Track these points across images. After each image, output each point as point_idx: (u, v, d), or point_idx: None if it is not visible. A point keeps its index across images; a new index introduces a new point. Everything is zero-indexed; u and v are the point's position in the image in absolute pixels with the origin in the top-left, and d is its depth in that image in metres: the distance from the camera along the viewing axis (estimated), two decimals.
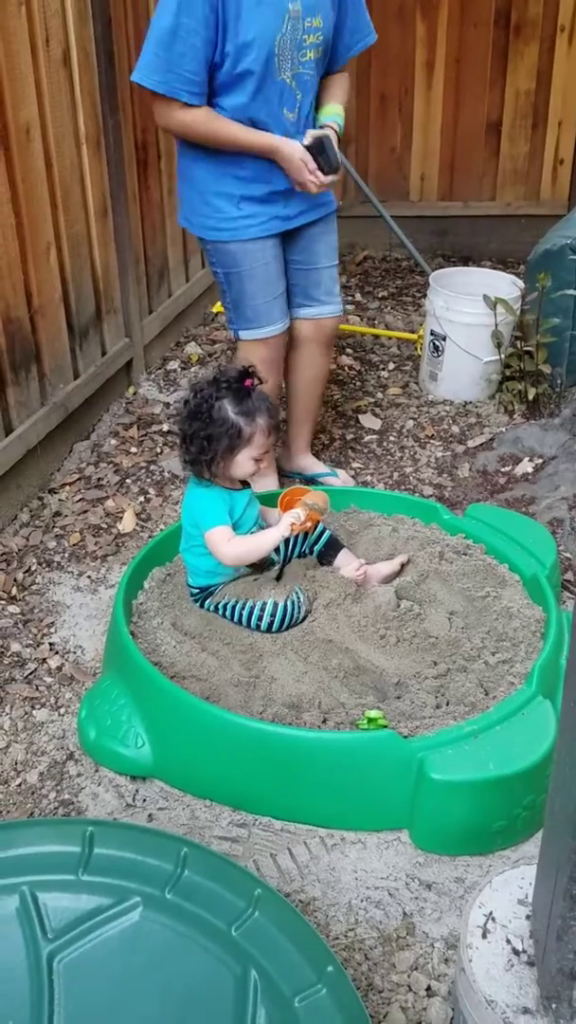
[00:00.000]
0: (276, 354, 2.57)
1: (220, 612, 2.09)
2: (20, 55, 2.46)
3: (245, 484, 2.14)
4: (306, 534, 2.21)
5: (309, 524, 2.07)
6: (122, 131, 3.11)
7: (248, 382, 2.02)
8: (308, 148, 2.33)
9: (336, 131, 2.43)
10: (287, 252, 2.54)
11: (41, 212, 2.66)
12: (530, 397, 3.24)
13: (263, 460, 2.08)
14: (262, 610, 2.03)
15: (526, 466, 2.96)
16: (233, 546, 2.01)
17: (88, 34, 2.86)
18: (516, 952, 1.33)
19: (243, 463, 2.03)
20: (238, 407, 1.99)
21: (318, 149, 2.34)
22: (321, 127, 2.43)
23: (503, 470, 2.98)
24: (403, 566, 2.24)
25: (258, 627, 2.04)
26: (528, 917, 1.37)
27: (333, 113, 2.48)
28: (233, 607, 2.06)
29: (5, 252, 2.47)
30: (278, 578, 2.15)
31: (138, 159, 3.34)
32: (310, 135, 2.35)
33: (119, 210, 3.16)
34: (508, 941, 1.35)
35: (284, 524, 2.02)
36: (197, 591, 2.14)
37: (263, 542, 2.04)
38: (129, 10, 3.16)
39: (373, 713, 1.76)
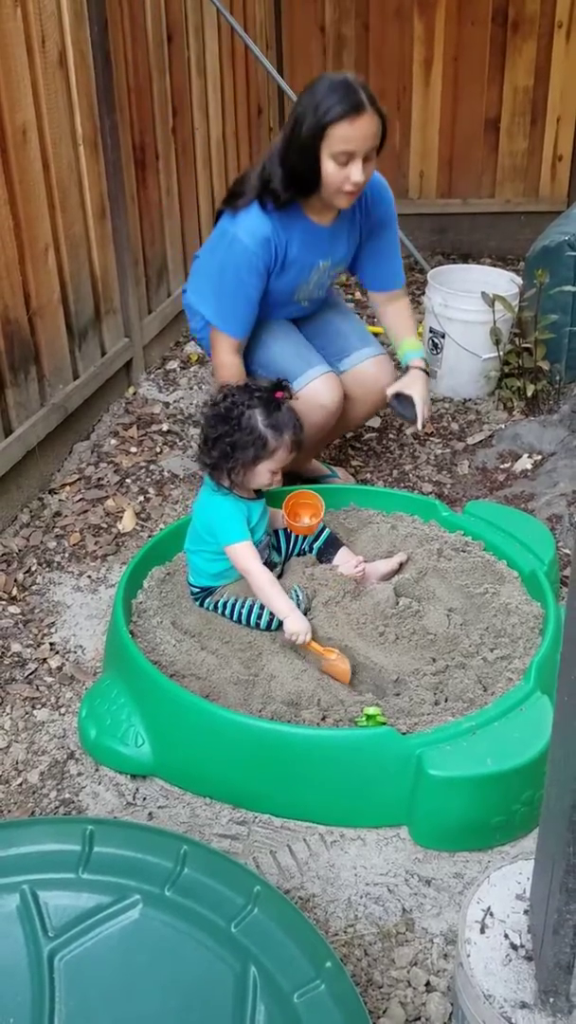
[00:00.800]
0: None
1: (219, 611, 2.10)
2: (16, 57, 2.47)
3: (259, 494, 2.13)
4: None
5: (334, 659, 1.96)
6: (119, 132, 3.11)
7: (279, 394, 2.02)
8: (395, 397, 2.54)
9: (425, 369, 2.58)
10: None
11: (39, 213, 2.67)
12: (529, 394, 3.24)
13: (279, 474, 2.07)
14: (261, 608, 2.03)
15: (525, 463, 2.96)
16: (260, 574, 1.98)
17: (84, 35, 2.87)
18: (514, 947, 1.34)
19: (261, 474, 2.04)
20: (268, 419, 1.99)
21: (401, 405, 2.53)
22: (406, 368, 2.57)
23: (502, 467, 2.98)
24: (401, 565, 2.24)
25: (257, 625, 2.04)
26: (526, 912, 1.37)
27: (414, 349, 2.60)
28: (232, 605, 2.07)
29: (3, 253, 2.48)
30: (279, 577, 2.16)
31: (136, 160, 3.35)
32: (397, 389, 2.53)
33: (117, 211, 3.17)
34: (506, 936, 1.35)
35: (301, 629, 1.92)
36: (198, 590, 2.14)
37: (275, 604, 1.96)
38: (125, 11, 3.17)
39: (372, 710, 1.76)
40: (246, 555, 1.99)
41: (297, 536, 2.26)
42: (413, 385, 2.52)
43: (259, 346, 2.51)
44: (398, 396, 2.53)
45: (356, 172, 2.16)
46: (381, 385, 2.59)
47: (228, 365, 2.44)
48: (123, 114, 3.18)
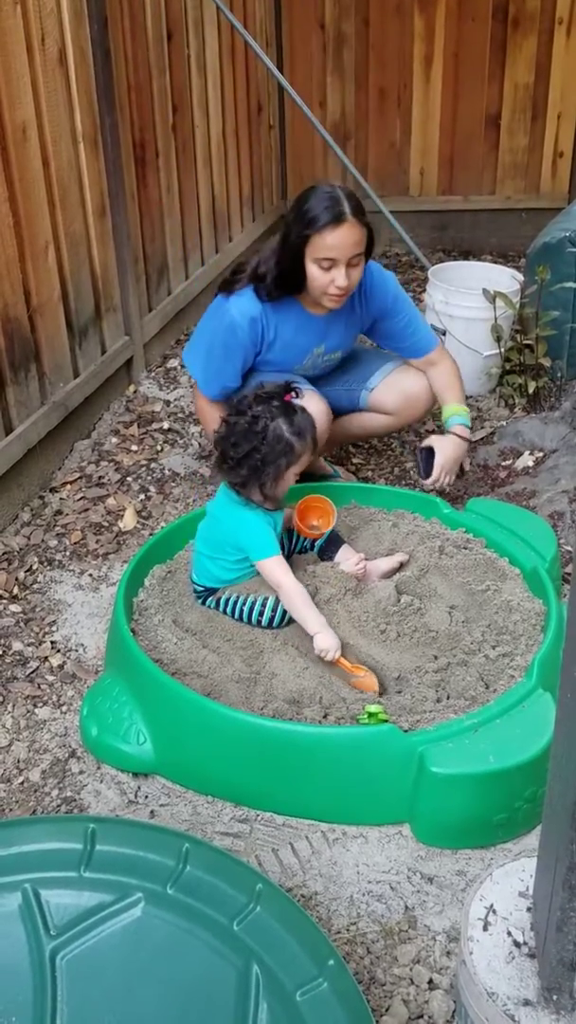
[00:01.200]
0: None
1: (221, 608, 2.10)
2: (16, 55, 2.46)
3: (279, 505, 2.12)
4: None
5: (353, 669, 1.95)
6: (119, 130, 3.11)
7: (288, 397, 2.03)
8: (423, 449, 2.58)
9: (465, 437, 2.58)
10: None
11: (39, 211, 2.66)
12: (530, 391, 3.23)
13: (299, 474, 2.09)
14: (263, 605, 2.03)
15: (527, 460, 2.96)
16: (293, 588, 1.96)
17: (84, 33, 2.86)
18: (517, 944, 1.34)
19: (288, 480, 2.04)
20: (292, 426, 2.00)
21: (423, 457, 2.56)
22: (446, 432, 2.59)
23: (504, 464, 2.97)
24: (402, 564, 2.24)
25: (259, 623, 2.04)
26: (529, 909, 1.37)
27: (458, 415, 2.60)
28: (234, 603, 2.07)
29: (3, 251, 2.47)
30: None
31: (136, 157, 3.34)
32: (430, 444, 2.56)
33: (117, 208, 3.16)
34: (509, 933, 1.35)
35: (331, 646, 1.91)
36: (202, 589, 2.14)
37: (306, 619, 1.95)
38: (125, 9, 3.16)
39: (373, 708, 1.76)
40: (279, 570, 1.99)
41: (299, 536, 2.26)
42: (444, 445, 2.55)
43: (254, 377, 2.54)
44: (426, 449, 2.57)
45: (340, 277, 2.27)
46: (418, 386, 2.62)
47: (212, 420, 2.46)
48: (123, 112, 3.17)
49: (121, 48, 3.14)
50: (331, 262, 2.26)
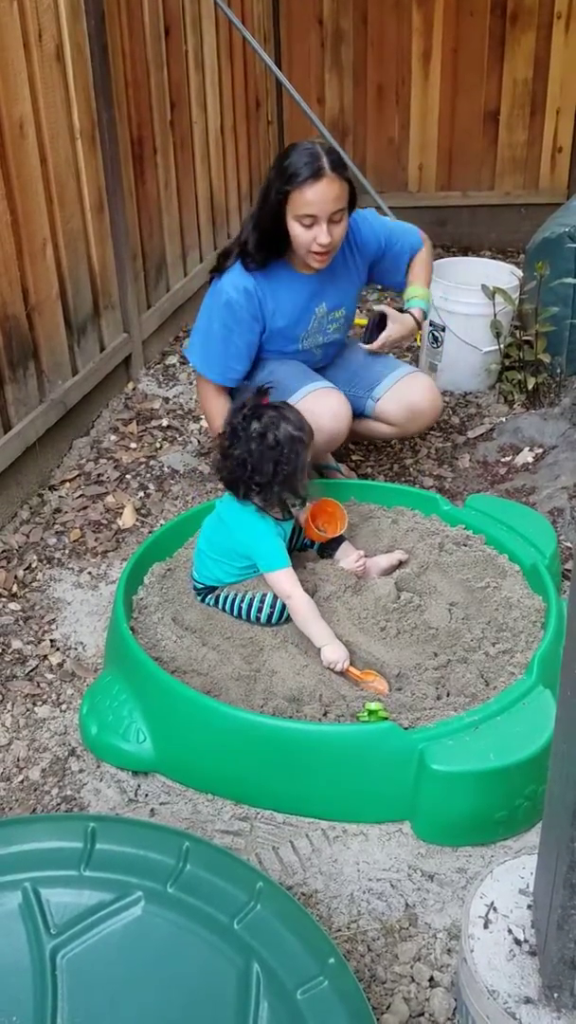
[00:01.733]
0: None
1: (220, 606, 2.09)
2: (12, 50, 2.45)
3: (290, 513, 2.11)
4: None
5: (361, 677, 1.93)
6: (117, 126, 3.10)
7: (265, 400, 2.03)
8: (377, 315, 2.57)
9: (418, 321, 2.59)
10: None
11: (36, 208, 2.66)
12: (530, 387, 3.23)
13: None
14: (261, 602, 2.03)
15: (526, 456, 2.95)
16: (301, 601, 1.95)
17: (81, 29, 2.85)
18: (518, 942, 1.33)
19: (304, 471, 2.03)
20: (291, 424, 1.99)
21: (374, 322, 2.57)
22: (402, 311, 2.60)
23: (503, 460, 2.97)
24: (402, 562, 2.23)
25: (258, 619, 2.04)
26: (530, 907, 1.37)
27: (417, 297, 2.61)
28: (232, 600, 2.06)
29: (1, 249, 2.47)
30: None
31: (134, 154, 3.33)
32: (385, 311, 2.56)
33: (115, 205, 3.15)
34: (510, 931, 1.35)
35: (339, 658, 1.89)
36: (202, 587, 2.13)
37: (313, 631, 1.94)
38: (123, 4, 3.15)
39: (373, 705, 1.76)
40: (288, 582, 1.98)
41: (300, 532, 2.25)
42: (396, 320, 2.55)
43: (263, 369, 2.53)
44: (379, 315, 2.56)
45: (322, 235, 2.24)
46: (424, 400, 2.59)
47: (218, 414, 2.47)
48: (121, 108, 3.16)
49: (119, 44, 3.13)
50: (312, 219, 2.22)
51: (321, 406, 2.38)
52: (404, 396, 2.60)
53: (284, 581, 1.98)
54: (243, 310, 2.37)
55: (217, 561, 2.09)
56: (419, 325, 2.62)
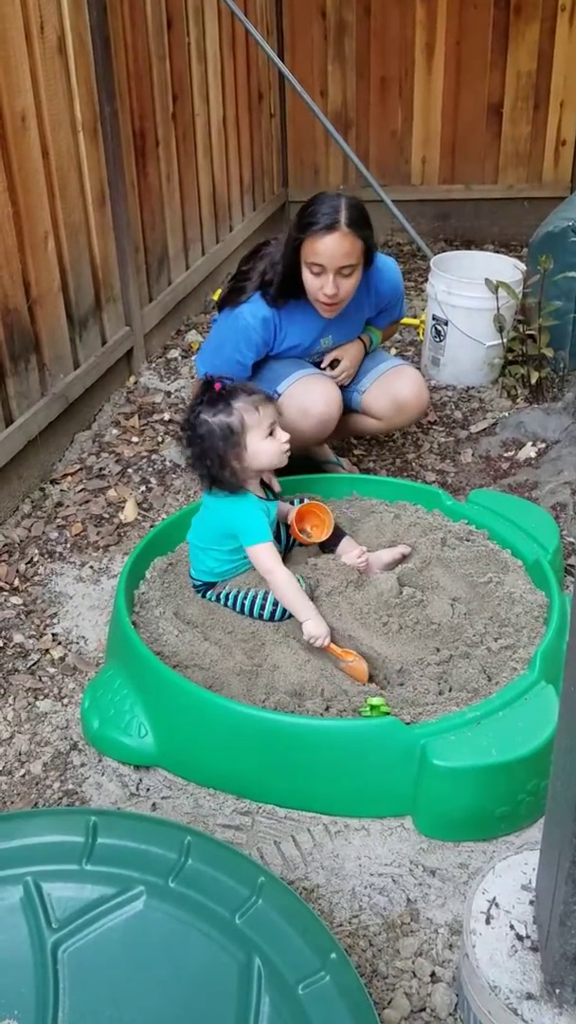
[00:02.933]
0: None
1: (222, 601, 2.09)
2: (14, 43, 2.44)
3: (273, 495, 2.12)
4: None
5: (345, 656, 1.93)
6: (119, 118, 3.09)
7: (217, 387, 2.01)
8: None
9: (366, 344, 2.68)
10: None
11: (38, 201, 2.65)
12: (533, 381, 3.22)
13: (277, 432, 2.03)
14: (264, 599, 2.02)
15: (529, 451, 2.94)
16: (282, 576, 1.95)
17: (83, 21, 2.84)
18: (520, 938, 1.33)
19: (259, 449, 1.99)
20: (212, 410, 1.98)
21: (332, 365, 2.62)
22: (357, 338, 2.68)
23: (506, 455, 2.96)
24: (404, 556, 2.23)
25: (260, 616, 2.03)
26: (531, 902, 1.37)
27: (374, 332, 2.70)
28: (235, 596, 2.06)
29: (2, 242, 2.46)
30: None
31: (136, 146, 3.32)
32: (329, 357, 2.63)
33: (117, 198, 3.14)
34: (512, 927, 1.35)
35: (320, 633, 1.90)
36: (201, 584, 2.13)
37: (295, 606, 1.94)
38: None
39: (375, 700, 1.76)
40: (268, 556, 1.98)
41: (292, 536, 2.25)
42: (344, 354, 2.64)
43: (265, 367, 2.56)
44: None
45: (328, 286, 2.30)
46: (409, 392, 2.62)
47: None
48: (123, 100, 3.15)
49: (121, 36, 3.11)
50: (320, 268, 2.29)
51: (310, 391, 2.43)
52: (389, 389, 2.63)
53: (265, 556, 1.98)
54: (258, 335, 2.44)
55: (206, 550, 2.08)
56: (365, 349, 2.69)
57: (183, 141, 3.78)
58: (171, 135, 3.66)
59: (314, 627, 1.90)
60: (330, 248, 2.25)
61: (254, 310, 2.42)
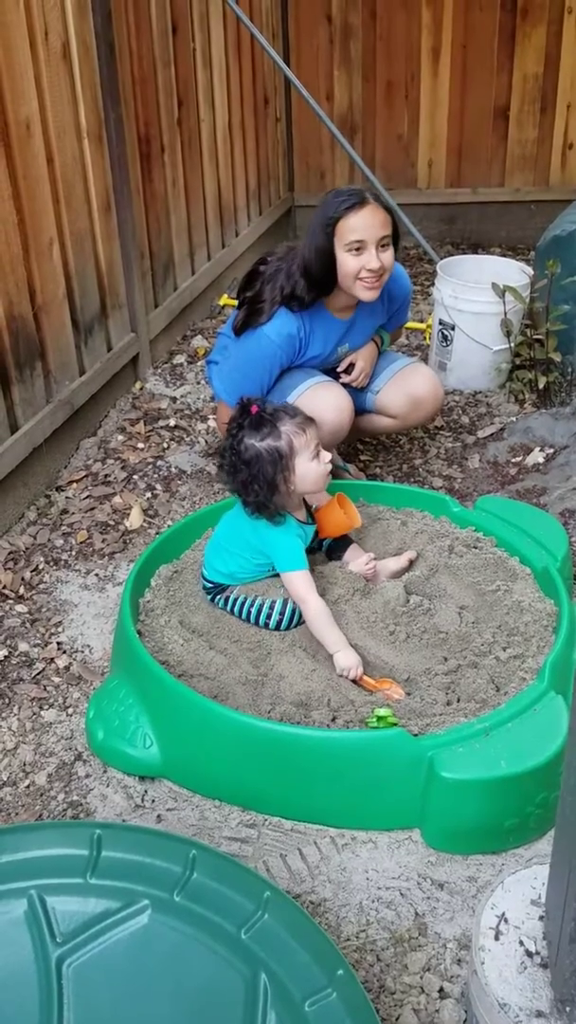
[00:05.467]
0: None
1: (229, 608, 2.08)
2: (19, 49, 2.44)
3: (312, 519, 2.10)
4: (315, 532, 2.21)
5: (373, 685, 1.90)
6: (124, 125, 3.08)
7: (253, 409, 1.99)
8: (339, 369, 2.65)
9: (378, 345, 2.68)
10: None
11: (43, 208, 2.64)
12: (540, 386, 3.20)
13: (322, 454, 2.00)
14: (271, 608, 2.01)
15: (537, 456, 2.92)
16: (316, 606, 1.93)
17: (88, 27, 2.83)
18: (529, 954, 1.31)
19: (306, 471, 1.97)
20: (258, 434, 1.95)
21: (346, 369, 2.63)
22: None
23: (514, 460, 2.94)
24: (411, 562, 2.21)
25: (267, 625, 2.02)
26: (541, 918, 1.35)
27: (381, 332, 2.70)
28: (242, 604, 2.05)
29: (7, 249, 2.45)
30: None
31: (141, 152, 3.31)
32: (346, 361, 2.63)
33: (122, 204, 3.14)
34: (521, 943, 1.33)
35: (352, 664, 1.87)
36: (212, 586, 2.11)
37: (326, 638, 1.92)
38: (130, 2, 3.13)
39: (382, 711, 1.74)
40: (304, 585, 1.96)
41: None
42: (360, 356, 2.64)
43: (279, 380, 2.56)
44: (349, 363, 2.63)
45: (372, 260, 2.30)
46: (424, 388, 2.62)
47: None
48: (128, 106, 3.14)
49: (125, 42, 3.11)
50: (360, 244, 2.28)
51: (322, 399, 2.41)
52: (404, 386, 2.64)
53: (300, 584, 1.96)
54: (284, 354, 2.44)
55: (235, 554, 2.06)
56: (379, 349, 2.70)
57: (188, 146, 3.78)
58: (176, 141, 3.65)
59: (344, 659, 1.88)
60: (367, 220, 2.26)
61: (279, 328, 2.40)
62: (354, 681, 1.89)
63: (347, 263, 2.30)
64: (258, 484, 1.94)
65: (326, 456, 2.01)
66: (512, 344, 3.28)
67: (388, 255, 2.33)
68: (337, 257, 2.30)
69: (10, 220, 2.45)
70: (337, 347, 2.54)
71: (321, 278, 2.34)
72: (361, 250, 2.29)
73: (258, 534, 2.02)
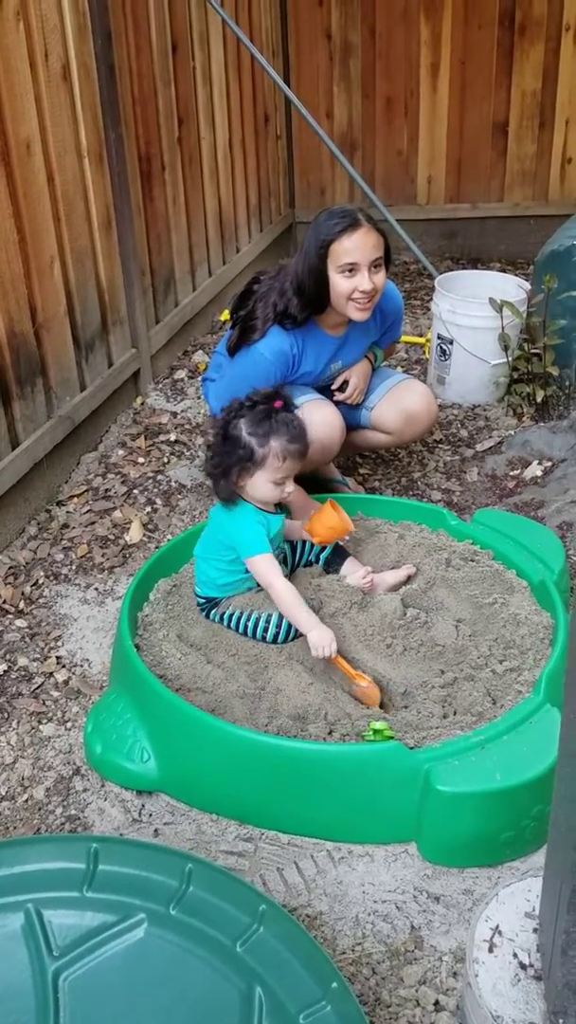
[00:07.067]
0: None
1: (225, 623, 2.09)
2: (19, 71, 2.47)
3: (279, 508, 2.12)
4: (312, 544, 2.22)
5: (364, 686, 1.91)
6: (124, 144, 3.12)
7: (278, 403, 2.01)
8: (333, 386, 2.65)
9: (372, 362, 2.70)
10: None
11: (44, 226, 2.67)
12: (538, 399, 3.22)
13: (286, 485, 2.03)
14: (267, 621, 2.02)
15: (535, 469, 2.94)
16: (282, 587, 1.95)
17: (88, 48, 2.87)
18: (523, 966, 1.32)
19: (260, 486, 2.01)
20: (252, 427, 1.98)
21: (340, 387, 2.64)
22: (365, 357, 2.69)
23: (512, 474, 2.96)
24: (409, 577, 2.22)
25: (263, 638, 2.03)
26: (535, 930, 1.35)
27: (374, 348, 2.71)
28: (238, 618, 2.06)
29: (8, 267, 2.48)
30: None
31: (142, 171, 3.35)
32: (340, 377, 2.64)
33: (123, 222, 3.17)
34: (515, 955, 1.33)
35: (325, 641, 1.89)
36: (204, 601, 2.13)
37: (297, 618, 1.93)
38: (130, 23, 3.17)
39: (378, 724, 1.74)
40: (267, 568, 1.97)
41: (304, 547, 2.25)
42: (354, 373, 2.65)
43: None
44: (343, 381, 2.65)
45: (364, 282, 2.31)
46: (419, 404, 2.64)
47: None
48: (128, 126, 3.18)
49: (126, 62, 3.15)
50: (353, 266, 2.30)
51: (313, 416, 2.43)
52: (398, 402, 2.65)
53: (263, 567, 1.98)
54: (277, 370, 2.45)
55: (208, 560, 2.09)
56: (372, 366, 2.71)
57: (189, 165, 3.82)
58: (177, 159, 3.69)
59: (316, 636, 1.90)
60: (360, 242, 2.28)
61: (272, 345, 2.41)
62: (327, 660, 1.90)
63: (340, 284, 2.32)
64: (219, 458, 2.00)
65: (289, 488, 2.04)
66: (510, 358, 3.30)
67: (380, 276, 2.36)
68: (330, 278, 2.32)
69: (11, 238, 2.48)
70: (330, 364, 2.55)
71: (313, 298, 2.36)
72: (354, 272, 2.30)
73: (223, 527, 2.05)
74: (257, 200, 4.82)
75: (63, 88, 2.73)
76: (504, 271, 4.70)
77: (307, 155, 5.34)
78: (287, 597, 1.95)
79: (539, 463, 2.96)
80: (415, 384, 2.69)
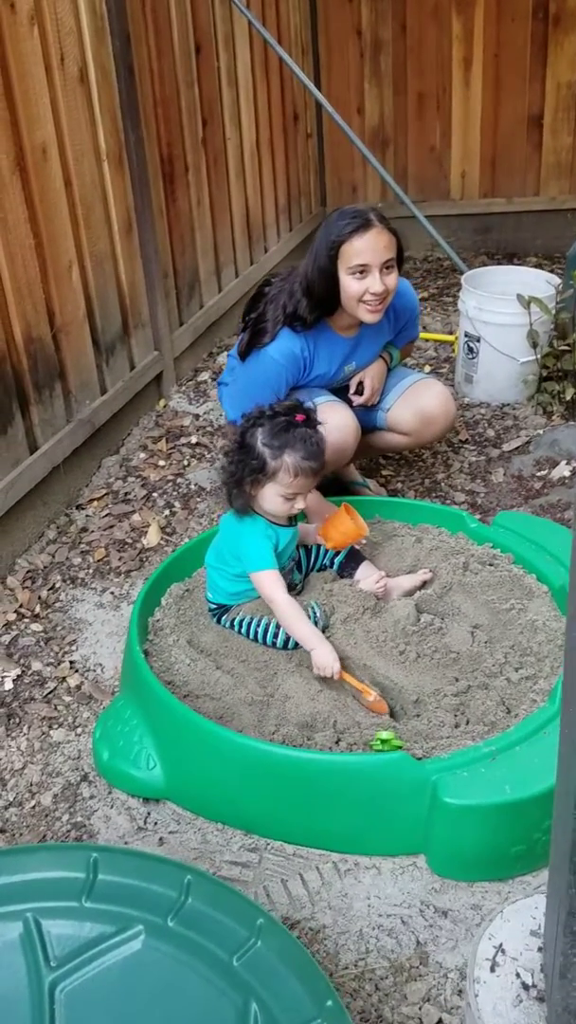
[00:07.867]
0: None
1: (235, 628, 2.06)
2: (34, 75, 2.47)
3: (291, 520, 2.09)
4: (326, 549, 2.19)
5: (367, 692, 1.87)
6: (145, 146, 3.11)
7: (299, 417, 1.98)
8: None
9: (387, 362, 2.65)
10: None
11: (61, 231, 2.67)
12: (568, 397, 3.14)
13: (297, 501, 1.99)
14: (277, 627, 1.99)
15: (563, 470, 2.86)
16: (285, 604, 1.92)
17: (106, 51, 2.87)
18: (526, 987, 1.27)
19: (270, 499, 1.97)
20: (268, 438, 1.95)
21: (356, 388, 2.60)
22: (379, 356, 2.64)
23: (539, 474, 2.89)
24: (425, 583, 2.18)
25: (273, 644, 2.00)
26: (540, 949, 1.31)
27: (394, 351, 2.67)
28: (248, 623, 2.03)
29: (24, 272, 2.48)
30: (298, 594, 2.12)
31: (164, 173, 3.34)
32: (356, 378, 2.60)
33: (144, 225, 3.16)
34: (518, 975, 1.29)
35: (328, 663, 1.85)
36: (215, 607, 2.11)
37: (301, 635, 1.90)
38: (150, 25, 3.16)
39: (385, 734, 1.70)
40: (271, 584, 1.94)
41: (319, 551, 2.21)
42: (368, 374, 2.61)
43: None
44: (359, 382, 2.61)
45: (375, 284, 2.26)
46: (435, 404, 2.58)
47: None
48: (149, 128, 3.17)
49: (146, 64, 3.14)
50: (364, 268, 2.25)
51: (326, 419, 2.37)
52: (415, 403, 2.60)
53: (268, 583, 1.94)
54: (288, 373, 2.42)
55: (217, 569, 2.07)
56: (388, 366, 2.66)
57: (214, 165, 3.80)
58: (201, 160, 3.67)
59: (321, 656, 1.86)
60: (371, 243, 2.23)
61: (282, 347, 2.38)
62: (336, 680, 1.87)
63: (350, 286, 2.28)
64: (234, 467, 1.97)
65: (299, 505, 2.00)
66: (539, 356, 3.23)
67: (392, 278, 2.30)
68: (340, 280, 2.28)
69: (26, 243, 2.48)
70: (343, 366, 2.51)
71: (323, 299, 2.32)
72: (365, 273, 2.26)
73: (232, 537, 2.02)
74: (287, 199, 4.80)
75: (80, 91, 2.73)
76: (540, 266, 4.61)
77: (338, 153, 5.30)
78: (288, 614, 1.91)
79: (567, 463, 2.89)
80: (432, 384, 2.63)
